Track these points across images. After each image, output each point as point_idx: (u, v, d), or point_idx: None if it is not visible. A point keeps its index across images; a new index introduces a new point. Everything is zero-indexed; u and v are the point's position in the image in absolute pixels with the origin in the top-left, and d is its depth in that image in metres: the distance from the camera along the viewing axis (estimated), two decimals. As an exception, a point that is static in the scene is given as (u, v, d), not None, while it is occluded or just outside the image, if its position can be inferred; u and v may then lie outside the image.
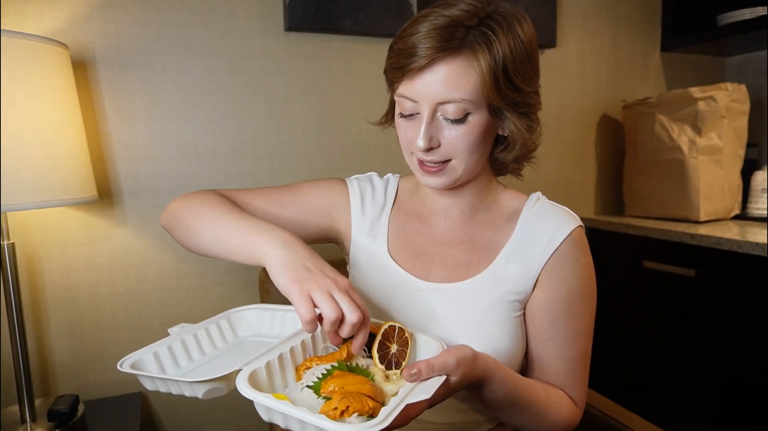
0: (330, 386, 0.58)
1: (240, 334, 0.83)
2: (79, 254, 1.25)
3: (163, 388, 0.66)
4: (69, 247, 1.24)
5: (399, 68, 0.71)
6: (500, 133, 0.78)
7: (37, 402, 1.16)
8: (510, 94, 0.71)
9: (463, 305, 0.79)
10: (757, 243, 1.27)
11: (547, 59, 1.74)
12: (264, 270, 1.25)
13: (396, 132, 0.80)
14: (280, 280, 0.62)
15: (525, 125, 0.76)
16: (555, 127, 1.78)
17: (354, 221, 0.89)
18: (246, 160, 1.39)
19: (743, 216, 1.71)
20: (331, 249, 1.01)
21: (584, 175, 1.86)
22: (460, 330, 0.78)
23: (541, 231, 0.80)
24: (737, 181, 1.67)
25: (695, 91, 1.55)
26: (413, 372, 0.60)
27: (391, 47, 0.75)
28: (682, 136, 1.60)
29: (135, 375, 0.66)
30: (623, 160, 1.84)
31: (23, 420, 1.06)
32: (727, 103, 1.56)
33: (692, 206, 1.60)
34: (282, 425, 0.55)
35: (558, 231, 0.79)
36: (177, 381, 0.63)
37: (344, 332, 0.61)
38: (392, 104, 0.82)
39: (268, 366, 0.62)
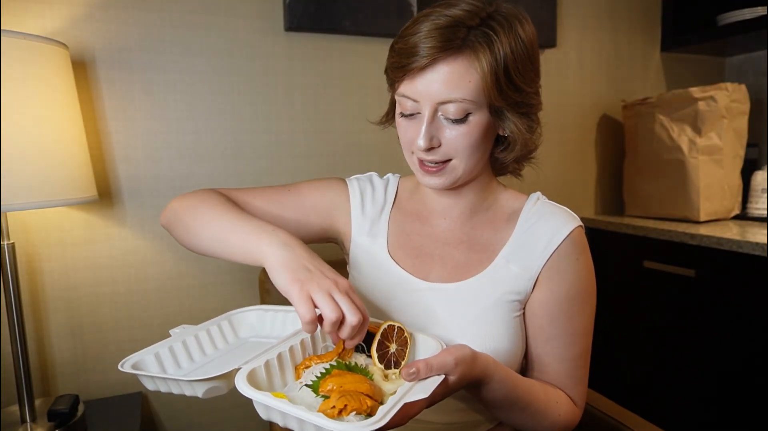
0: (328, 385, 0.58)
1: (241, 335, 0.83)
2: (79, 254, 1.25)
3: (163, 388, 0.66)
4: (69, 247, 1.24)
5: (400, 68, 0.71)
6: (501, 133, 0.78)
7: (37, 402, 1.16)
8: (511, 94, 0.72)
9: (462, 305, 0.79)
10: (757, 243, 1.27)
11: (547, 59, 1.74)
12: (264, 270, 1.25)
13: (396, 131, 0.80)
14: (280, 281, 0.63)
15: (525, 125, 0.76)
16: (555, 127, 1.78)
17: (354, 221, 0.89)
18: (246, 160, 1.39)
19: (743, 216, 1.71)
20: (331, 250, 1.01)
21: (584, 175, 1.86)
22: (460, 330, 0.78)
23: (541, 231, 0.80)
24: (737, 181, 1.67)
25: (695, 91, 1.55)
26: (412, 371, 0.60)
27: (392, 47, 0.75)
28: (682, 136, 1.60)
29: (136, 376, 0.66)
30: (623, 160, 1.84)
31: (23, 420, 1.06)
32: (727, 103, 1.56)
33: (692, 206, 1.60)
34: (281, 423, 0.55)
35: (558, 231, 0.79)
36: (177, 380, 0.63)
37: (344, 333, 0.62)
38: (393, 103, 0.82)
39: (267, 365, 0.62)
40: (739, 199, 1.69)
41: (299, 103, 1.43)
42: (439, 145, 0.73)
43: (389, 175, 0.95)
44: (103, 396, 1.28)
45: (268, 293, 1.21)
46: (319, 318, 0.61)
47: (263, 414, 0.56)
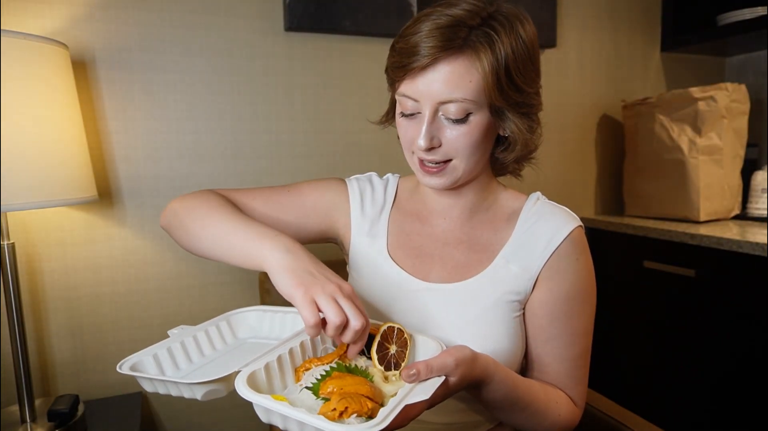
0: (329, 387, 0.58)
1: (240, 336, 0.83)
2: (79, 254, 1.25)
3: (162, 390, 0.66)
4: (69, 247, 1.24)
5: (401, 67, 0.71)
6: (501, 133, 0.78)
7: (37, 402, 1.16)
8: (511, 94, 0.71)
9: (462, 305, 0.79)
10: (757, 243, 1.27)
11: (547, 59, 1.74)
12: (264, 271, 1.25)
13: (396, 131, 0.80)
14: (284, 284, 0.62)
15: (526, 125, 0.76)
16: (555, 127, 1.78)
17: (353, 221, 0.89)
18: (246, 160, 1.39)
19: (743, 216, 1.71)
20: (331, 250, 1.01)
21: (584, 175, 1.86)
22: (460, 330, 0.78)
23: (541, 231, 0.80)
24: (737, 181, 1.67)
25: (695, 91, 1.55)
26: (412, 372, 0.59)
27: (392, 46, 0.74)
28: (682, 136, 1.60)
29: (134, 377, 0.65)
30: (623, 160, 1.84)
31: (23, 420, 1.06)
32: (727, 103, 1.56)
33: (692, 206, 1.60)
34: (281, 426, 0.55)
35: (558, 231, 0.79)
36: (176, 382, 0.63)
37: (347, 337, 0.62)
38: (393, 103, 0.82)
39: (267, 367, 0.62)
40: (739, 199, 1.69)
41: (299, 103, 1.43)
42: (440, 145, 0.73)
43: (389, 175, 0.95)
44: (103, 396, 1.28)
45: (268, 293, 1.21)
46: (322, 322, 0.61)
47: (263, 417, 0.56)
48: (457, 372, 0.62)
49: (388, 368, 0.65)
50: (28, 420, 1.06)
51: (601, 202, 1.91)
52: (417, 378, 0.60)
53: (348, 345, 0.65)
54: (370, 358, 0.66)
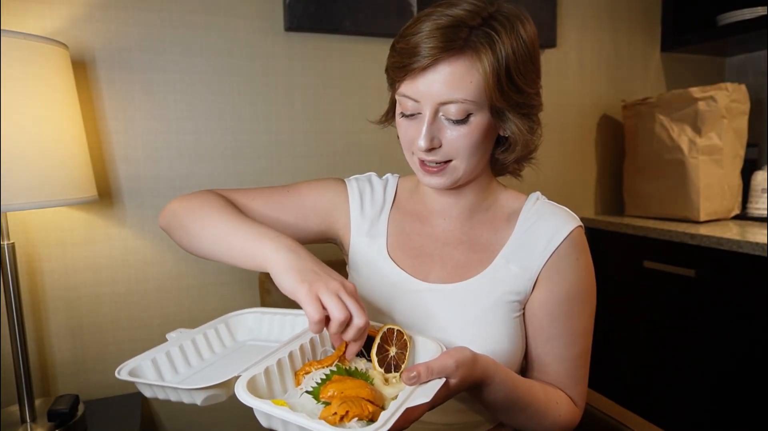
0: (329, 391, 0.58)
1: (238, 338, 0.83)
2: (79, 254, 1.25)
3: (161, 395, 0.65)
4: (69, 247, 1.24)
5: (401, 67, 0.71)
6: (501, 133, 0.78)
7: (37, 402, 1.16)
8: (512, 95, 0.71)
9: (462, 305, 0.79)
10: (757, 243, 1.27)
11: (547, 59, 1.74)
12: (265, 272, 1.25)
13: (396, 131, 0.80)
14: (288, 282, 0.62)
15: (526, 126, 0.75)
16: (555, 127, 1.78)
17: (353, 221, 0.89)
18: (246, 160, 1.39)
19: (743, 216, 1.71)
20: (330, 250, 1.01)
21: (584, 175, 1.86)
22: (460, 330, 0.78)
23: (541, 231, 0.80)
24: (737, 181, 1.67)
25: (695, 91, 1.55)
26: (412, 375, 0.59)
27: (393, 46, 0.74)
28: (682, 136, 1.60)
29: (133, 383, 0.65)
30: (623, 160, 1.84)
31: (23, 420, 1.06)
32: (727, 103, 1.56)
33: (692, 206, 1.60)
34: None
35: (558, 231, 0.79)
36: (175, 388, 0.62)
37: (349, 335, 0.62)
38: (393, 103, 0.82)
39: (266, 371, 0.62)
40: (739, 199, 1.69)
41: (299, 103, 1.43)
42: (440, 146, 0.73)
43: (388, 175, 0.95)
44: (103, 396, 1.28)
45: (268, 293, 1.21)
46: (325, 320, 0.61)
47: (264, 422, 0.56)
48: (457, 373, 0.62)
49: (388, 370, 0.65)
50: (28, 420, 1.06)
51: (601, 202, 1.91)
52: (418, 381, 0.59)
53: (347, 345, 0.65)
54: (370, 360, 0.66)
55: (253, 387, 0.58)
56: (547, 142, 1.74)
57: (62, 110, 1.04)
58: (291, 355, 0.66)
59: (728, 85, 1.55)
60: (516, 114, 0.74)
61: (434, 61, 0.68)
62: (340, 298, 0.61)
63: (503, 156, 0.81)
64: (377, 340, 0.67)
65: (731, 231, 1.43)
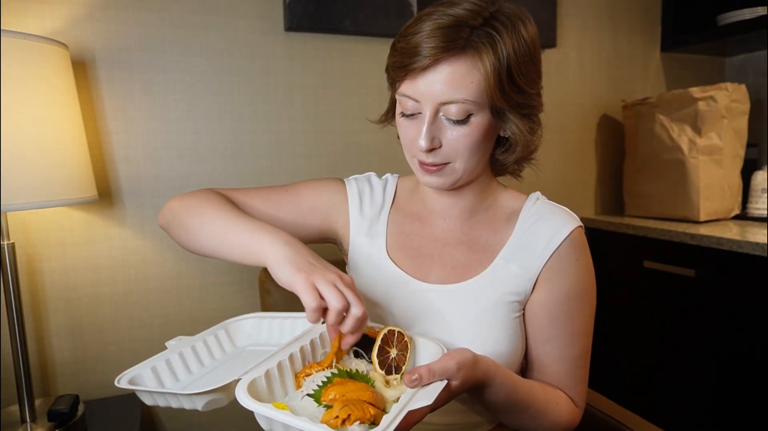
0: (330, 394, 0.57)
1: (238, 344, 0.83)
2: (79, 254, 1.25)
3: (162, 402, 0.65)
4: (69, 247, 1.24)
5: (402, 67, 0.71)
6: (502, 134, 0.77)
7: (37, 402, 1.16)
8: (513, 95, 0.71)
9: (462, 306, 0.79)
10: (757, 244, 1.27)
11: (547, 59, 1.74)
12: (264, 270, 1.25)
13: (396, 131, 0.80)
14: (284, 274, 0.62)
15: (527, 127, 0.75)
16: (555, 127, 1.78)
17: (352, 221, 0.89)
18: (246, 160, 1.39)
19: (743, 216, 1.71)
20: (330, 250, 1.01)
21: (584, 175, 1.86)
22: (460, 331, 0.78)
23: (541, 231, 0.80)
24: (737, 181, 1.67)
25: (695, 91, 1.55)
26: (414, 377, 0.59)
27: (393, 45, 0.74)
28: (682, 136, 1.60)
29: (133, 391, 0.65)
30: (623, 160, 1.84)
31: (23, 420, 1.06)
32: (727, 103, 1.56)
33: (692, 206, 1.60)
34: None
35: (558, 231, 0.79)
36: (176, 394, 0.62)
37: (347, 326, 0.61)
38: (393, 102, 0.82)
39: (267, 374, 0.61)
40: (739, 199, 1.69)
41: (299, 103, 1.43)
42: (440, 146, 0.73)
43: (388, 175, 0.95)
44: (103, 396, 1.28)
45: (268, 293, 1.21)
46: (323, 312, 0.61)
47: (265, 426, 0.56)
48: (459, 375, 0.61)
49: (389, 372, 0.64)
50: (28, 420, 1.06)
51: (601, 202, 1.91)
52: (419, 383, 0.59)
53: (340, 339, 0.65)
54: (371, 362, 0.66)
55: (253, 391, 0.58)
56: (547, 142, 1.74)
57: (62, 110, 1.04)
58: (291, 357, 0.66)
59: (728, 85, 1.55)
60: (517, 114, 0.74)
61: (435, 61, 0.68)
62: (337, 288, 0.60)
63: (503, 156, 0.80)
64: (378, 342, 0.66)
65: (731, 232, 1.43)
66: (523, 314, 0.81)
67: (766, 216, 1.66)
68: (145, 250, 1.31)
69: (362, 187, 0.91)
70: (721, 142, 1.58)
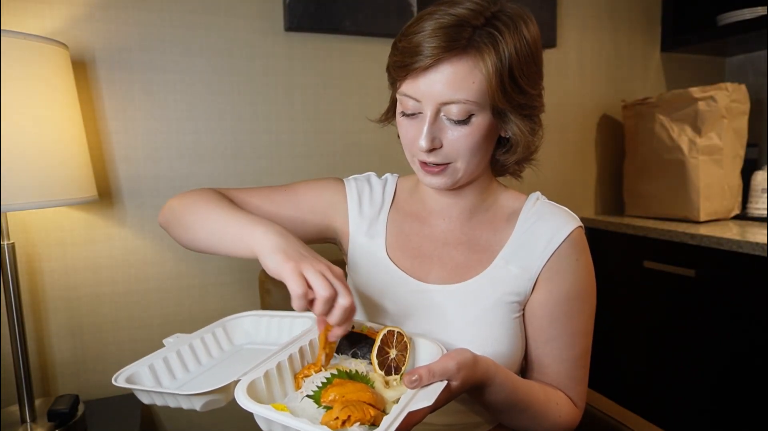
0: (330, 395, 0.57)
1: (236, 342, 0.83)
2: (79, 254, 1.25)
3: (159, 402, 0.65)
4: (69, 247, 1.24)
5: (403, 67, 0.70)
6: (502, 134, 0.77)
7: (37, 402, 1.16)
8: (514, 96, 0.71)
9: (462, 306, 0.79)
10: (757, 244, 1.27)
11: (547, 59, 1.71)
12: (264, 271, 1.25)
13: (396, 131, 0.80)
14: (273, 262, 0.62)
15: (528, 128, 0.75)
16: (555, 127, 1.78)
17: (351, 221, 0.89)
18: (246, 160, 1.39)
19: (743, 216, 1.71)
20: (330, 251, 1.01)
21: (584, 175, 1.86)
22: (459, 331, 0.78)
23: (541, 231, 0.80)
24: (737, 181, 1.67)
25: (695, 91, 1.55)
26: (414, 378, 0.59)
27: (394, 44, 0.74)
28: (682, 136, 1.60)
29: (131, 390, 0.65)
30: (623, 160, 1.84)
31: (23, 420, 1.06)
32: (727, 103, 1.56)
33: (692, 206, 1.60)
34: None
35: (558, 231, 0.79)
36: (174, 394, 0.62)
37: (334, 316, 0.61)
38: (393, 102, 0.82)
39: (266, 375, 0.61)
40: (739, 199, 1.69)
41: (299, 103, 1.43)
42: (441, 146, 0.73)
43: (387, 174, 0.94)
44: (103, 396, 1.28)
45: (268, 293, 1.21)
46: (310, 303, 0.61)
47: (264, 427, 0.55)
48: (458, 376, 0.61)
49: (388, 373, 0.64)
50: (28, 420, 1.06)
51: (601, 202, 1.91)
52: (419, 384, 0.59)
53: (327, 332, 0.64)
54: (370, 363, 0.66)
55: (253, 392, 0.58)
56: (547, 142, 1.73)
57: (62, 110, 1.04)
58: (290, 358, 0.66)
59: (728, 85, 1.55)
60: (518, 115, 0.73)
61: (436, 61, 0.68)
62: (325, 277, 0.60)
63: (504, 157, 0.80)
64: (377, 342, 0.66)
65: (731, 232, 1.43)
66: (523, 314, 0.81)
67: (766, 216, 1.66)
68: (145, 250, 1.31)
69: (362, 186, 0.91)
70: (721, 142, 1.58)
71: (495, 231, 0.83)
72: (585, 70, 1.81)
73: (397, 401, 0.57)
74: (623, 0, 1.84)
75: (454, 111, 0.70)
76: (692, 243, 1.43)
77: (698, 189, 1.58)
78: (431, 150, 0.72)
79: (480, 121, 0.71)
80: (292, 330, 0.81)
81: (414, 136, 0.74)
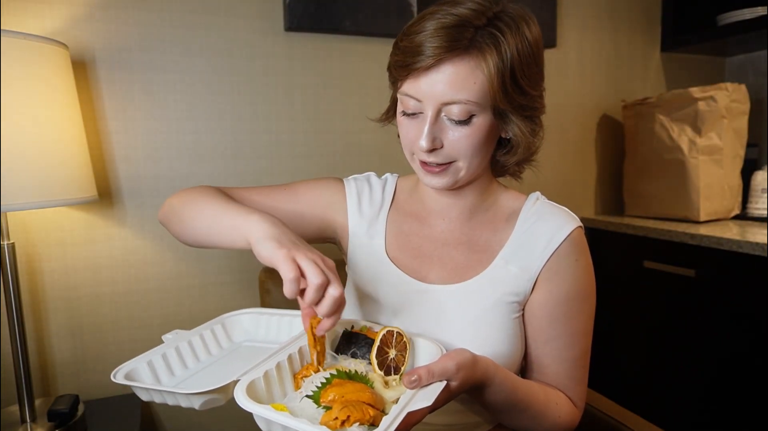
0: (330, 395, 0.57)
1: (235, 340, 0.83)
2: (79, 254, 1.25)
3: (158, 399, 0.64)
4: (69, 247, 1.24)
5: (404, 66, 0.70)
6: (503, 135, 0.77)
7: (37, 402, 1.16)
8: (516, 96, 0.71)
9: (461, 306, 0.79)
10: (757, 244, 1.27)
11: (547, 59, 1.71)
12: (264, 270, 1.25)
13: (396, 131, 0.80)
14: (266, 248, 0.62)
15: (529, 128, 0.75)
16: (555, 127, 1.78)
17: (351, 221, 0.89)
18: (246, 160, 1.39)
19: (743, 216, 1.71)
20: (331, 251, 1.01)
21: (584, 175, 1.86)
22: (459, 331, 0.78)
23: (541, 231, 0.80)
24: (737, 181, 1.67)
25: (695, 91, 1.55)
26: (413, 378, 0.59)
27: (396, 44, 0.73)
28: (682, 136, 1.60)
29: (130, 387, 0.64)
30: (623, 160, 1.84)
31: (23, 420, 1.06)
32: (727, 103, 1.56)
33: (692, 206, 1.60)
34: None
35: (557, 231, 0.79)
36: (173, 392, 0.62)
37: (323, 306, 0.61)
38: (394, 101, 0.81)
39: (266, 375, 0.61)
40: (739, 199, 1.69)
41: (299, 103, 1.43)
42: (441, 146, 0.73)
43: (387, 174, 0.94)
44: (103, 396, 1.28)
45: (268, 293, 1.21)
46: (301, 293, 0.60)
47: (264, 427, 0.55)
48: (458, 376, 0.61)
49: (387, 373, 0.64)
50: (28, 420, 1.06)
51: (601, 202, 1.91)
52: (419, 384, 0.59)
53: (314, 327, 0.64)
54: (370, 363, 0.66)
55: (252, 392, 0.58)
56: (547, 142, 1.73)
57: (62, 110, 1.04)
58: (290, 358, 0.66)
59: (728, 85, 1.55)
60: (519, 116, 0.73)
61: (438, 61, 0.68)
62: (317, 265, 0.60)
63: (504, 158, 0.80)
64: (377, 343, 0.66)
65: (731, 231, 1.43)
66: (523, 314, 0.81)
67: (766, 216, 1.66)
68: (145, 250, 1.31)
69: (361, 186, 0.91)
70: (721, 142, 1.58)
71: (495, 231, 0.83)
72: (585, 70, 1.81)
73: (396, 401, 0.57)
74: (623, 0, 1.84)
75: (455, 111, 0.70)
76: (692, 243, 1.43)
77: (698, 189, 1.58)
78: (432, 150, 0.72)
79: (481, 121, 0.71)
80: (291, 328, 0.81)
81: (415, 135, 0.74)
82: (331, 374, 0.62)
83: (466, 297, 0.79)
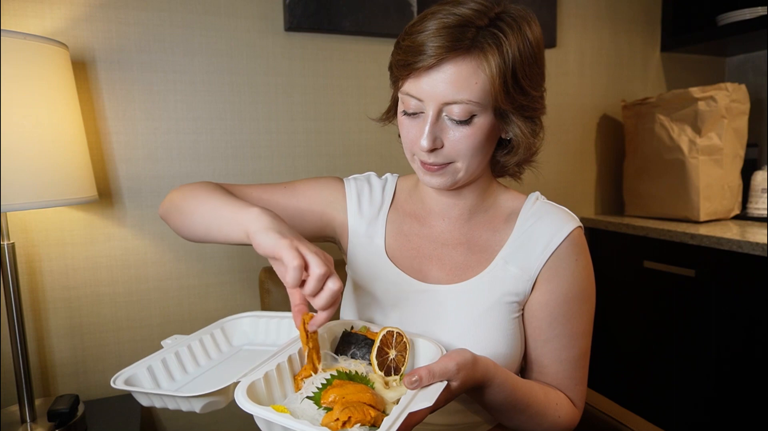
0: (330, 396, 0.57)
1: (234, 343, 0.83)
2: (79, 254, 1.25)
3: (159, 404, 0.64)
4: (69, 247, 1.24)
5: (406, 66, 0.70)
6: (504, 136, 0.77)
7: (37, 402, 1.16)
8: (517, 97, 0.71)
9: (461, 306, 0.79)
10: (757, 244, 1.27)
11: (547, 59, 1.72)
12: (264, 270, 1.25)
13: (396, 131, 0.80)
14: (267, 239, 0.62)
15: (529, 129, 0.75)
16: (555, 127, 1.78)
17: (350, 221, 0.89)
18: (246, 160, 1.39)
19: (743, 216, 1.71)
20: (331, 251, 1.01)
21: (584, 175, 1.86)
22: (459, 332, 0.78)
23: (540, 232, 0.80)
24: (737, 181, 1.67)
25: (695, 91, 1.55)
26: (414, 379, 0.59)
27: (397, 43, 0.73)
28: (682, 136, 1.60)
29: (129, 392, 0.64)
30: (623, 160, 1.84)
31: (23, 420, 1.06)
32: (727, 103, 1.56)
33: (692, 206, 1.60)
34: None
35: (557, 232, 0.79)
36: (173, 396, 0.62)
37: (321, 299, 0.61)
38: (395, 100, 0.81)
39: (266, 377, 0.61)
40: (739, 199, 1.69)
41: (299, 103, 1.43)
42: (442, 146, 0.73)
43: (388, 174, 0.94)
44: (103, 396, 1.28)
45: (268, 293, 1.21)
46: (301, 284, 0.61)
47: (264, 429, 0.55)
48: (458, 376, 0.61)
49: (388, 373, 0.64)
50: (28, 420, 1.06)
51: (601, 202, 1.91)
52: (419, 385, 0.59)
53: (306, 320, 0.64)
54: (370, 364, 0.66)
55: (252, 393, 0.58)
56: (547, 142, 1.73)
57: (62, 110, 1.04)
58: (290, 359, 0.66)
59: (728, 85, 1.55)
60: (519, 116, 0.73)
61: (440, 61, 0.68)
62: (319, 256, 0.61)
63: (505, 158, 0.80)
64: (377, 343, 0.66)
65: (731, 231, 1.43)
66: (523, 315, 0.81)
67: (766, 216, 1.66)
68: (145, 250, 1.31)
69: (361, 186, 0.91)
70: (721, 142, 1.58)
71: (494, 231, 0.83)
72: (585, 70, 1.81)
73: (397, 402, 0.57)
74: (623, 0, 1.84)
75: (456, 111, 0.70)
76: (692, 243, 1.43)
77: (698, 189, 1.58)
78: (432, 150, 0.72)
79: (482, 121, 0.71)
80: (290, 331, 0.81)
81: (415, 135, 0.74)
82: (331, 375, 0.62)
83: (465, 298, 0.79)
